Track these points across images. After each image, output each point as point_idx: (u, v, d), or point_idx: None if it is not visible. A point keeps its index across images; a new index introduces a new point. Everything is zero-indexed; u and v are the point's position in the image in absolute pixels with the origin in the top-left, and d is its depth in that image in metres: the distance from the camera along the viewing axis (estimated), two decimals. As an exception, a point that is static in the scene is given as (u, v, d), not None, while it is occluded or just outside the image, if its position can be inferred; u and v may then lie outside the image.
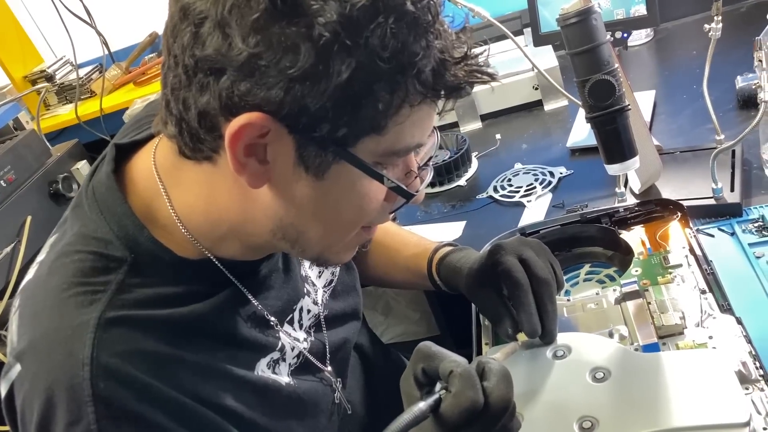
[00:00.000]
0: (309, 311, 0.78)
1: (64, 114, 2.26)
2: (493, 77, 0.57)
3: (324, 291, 0.83)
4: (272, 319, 0.71)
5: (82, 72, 2.35)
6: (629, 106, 0.81)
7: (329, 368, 0.79)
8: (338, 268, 0.87)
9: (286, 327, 0.74)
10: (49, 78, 2.35)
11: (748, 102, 1.22)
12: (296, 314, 0.76)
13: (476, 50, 0.57)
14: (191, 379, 0.61)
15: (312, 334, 0.78)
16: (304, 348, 0.75)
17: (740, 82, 1.25)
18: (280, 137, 0.54)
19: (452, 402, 0.56)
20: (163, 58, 0.58)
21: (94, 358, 0.57)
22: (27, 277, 0.66)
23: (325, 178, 0.56)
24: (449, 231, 1.24)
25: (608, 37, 0.79)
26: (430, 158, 0.66)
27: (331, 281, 0.85)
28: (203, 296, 0.64)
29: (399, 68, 0.52)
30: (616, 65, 0.81)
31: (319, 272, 0.83)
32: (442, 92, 0.56)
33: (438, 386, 0.59)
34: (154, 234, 0.63)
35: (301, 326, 0.76)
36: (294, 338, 0.74)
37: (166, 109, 0.58)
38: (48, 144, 1.75)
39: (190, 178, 0.62)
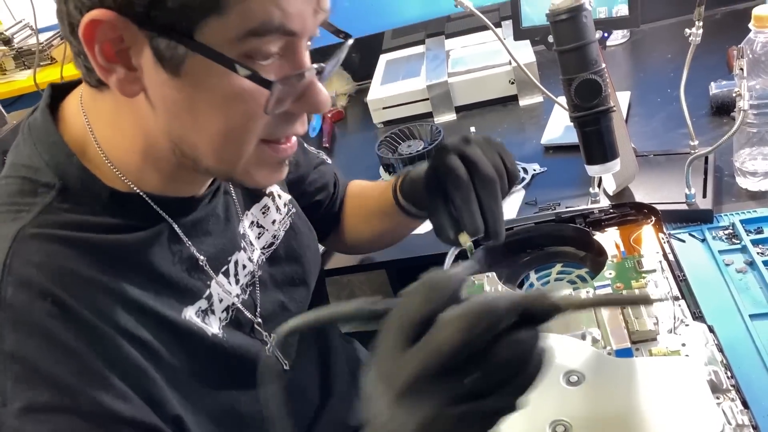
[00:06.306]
0: (244, 266, 0.75)
1: (22, 80, 2.15)
2: None
3: (262, 253, 0.79)
4: (202, 258, 0.68)
5: (43, 37, 2.24)
6: (614, 108, 0.80)
7: (260, 320, 0.75)
8: (281, 231, 0.83)
9: (221, 278, 0.71)
10: (7, 41, 2.23)
11: (722, 108, 1.23)
12: (231, 267, 0.73)
13: None
14: (111, 306, 0.58)
15: (247, 292, 0.75)
16: (235, 302, 0.72)
17: (714, 88, 1.26)
18: (134, 36, 0.52)
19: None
20: None
21: (7, 264, 0.55)
22: None
23: (182, 74, 0.54)
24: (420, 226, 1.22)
25: (597, 35, 0.78)
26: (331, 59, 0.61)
27: (272, 244, 0.81)
28: (132, 229, 0.62)
29: None
30: (603, 65, 0.79)
31: (258, 234, 0.80)
32: None
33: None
34: (85, 165, 0.61)
35: (237, 281, 0.73)
36: (226, 291, 0.71)
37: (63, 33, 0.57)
38: (3, 111, 1.67)
39: (103, 108, 0.61)
